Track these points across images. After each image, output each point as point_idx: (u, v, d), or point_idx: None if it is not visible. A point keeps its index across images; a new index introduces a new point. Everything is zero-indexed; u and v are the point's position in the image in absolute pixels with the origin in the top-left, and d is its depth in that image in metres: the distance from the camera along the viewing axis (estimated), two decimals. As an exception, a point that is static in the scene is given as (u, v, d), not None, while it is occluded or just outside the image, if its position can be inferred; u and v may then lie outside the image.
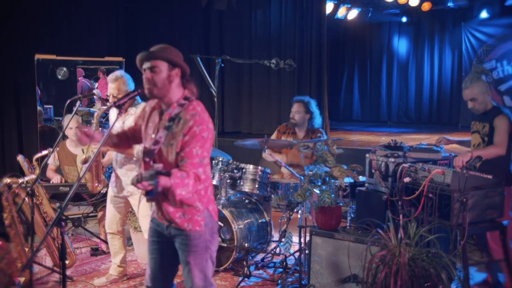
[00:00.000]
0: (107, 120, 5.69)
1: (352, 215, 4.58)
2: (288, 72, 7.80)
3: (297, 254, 4.45)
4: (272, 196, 4.69)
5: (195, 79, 2.79)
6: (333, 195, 3.86)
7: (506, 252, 3.60)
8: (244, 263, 4.36)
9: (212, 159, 4.69)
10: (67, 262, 4.42)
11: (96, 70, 7.26)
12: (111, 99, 4.07)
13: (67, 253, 4.41)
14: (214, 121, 4.22)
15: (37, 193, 4.29)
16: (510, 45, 9.58)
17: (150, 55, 2.63)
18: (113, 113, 4.27)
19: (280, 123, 5.95)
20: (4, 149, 7.04)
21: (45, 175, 5.45)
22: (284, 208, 4.65)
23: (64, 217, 2.59)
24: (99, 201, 5.14)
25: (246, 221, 4.63)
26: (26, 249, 4.08)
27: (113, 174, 4.22)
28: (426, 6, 9.72)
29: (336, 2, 9.70)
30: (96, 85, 7.26)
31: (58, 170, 5.55)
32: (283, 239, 4.36)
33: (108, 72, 6.94)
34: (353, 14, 10.29)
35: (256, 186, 4.64)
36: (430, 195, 3.38)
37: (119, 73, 4.11)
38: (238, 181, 4.66)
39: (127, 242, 4.78)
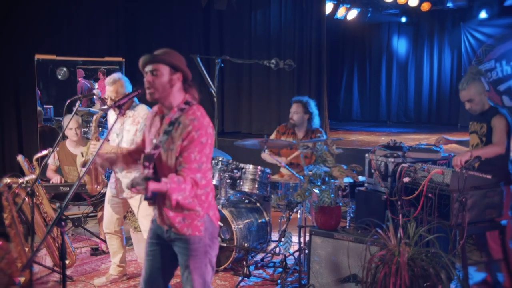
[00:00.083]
0: (107, 120, 5.69)
1: (352, 215, 4.59)
2: (288, 72, 7.79)
3: (296, 254, 4.46)
4: (272, 196, 4.70)
5: (195, 79, 2.79)
6: (332, 195, 3.86)
7: (505, 252, 3.60)
8: (244, 263, 4.36)
9: (212, 159, 4.69)
10: (67, 262, 4.42)
11: (96, 70, 7.25)
12: (109, 102, 4.08)
13: (67, 253, 4.41)
14: (213, 121, 4.22)
15: (37, 193, 4.29)
16: (509, 45, 9.58)
17: (153, 58, 2.63)
18: (111, 115, 4.27)
19: (279, 123, 5.95)
20: (4, 149, 7.05)
21: (45, 175, 5.46)
22: (283, 208, 4.66)
23: (64, 217, 2.60)
24: (99, 201, 5.14)
25: (245, 221, 4.63)
26: (26, 249, 4.08)
27: (112, 175, 4.23)
28: (426, 6, 9.72)
29: (335, 2, 9.70)
30: (96, 85, 7.26)
31: (58, 170, 5.55)
32: (282, 239, 4.36)
33: (108, 73, 6.94)
34: (352, 14, 10.29)
35: (256, 186, 4.65)
36: (430, 195, 3.38)
37: (116, 75, 4.11)
38: (238, 181, 4.67)
39: (127, 242, 4.79)
